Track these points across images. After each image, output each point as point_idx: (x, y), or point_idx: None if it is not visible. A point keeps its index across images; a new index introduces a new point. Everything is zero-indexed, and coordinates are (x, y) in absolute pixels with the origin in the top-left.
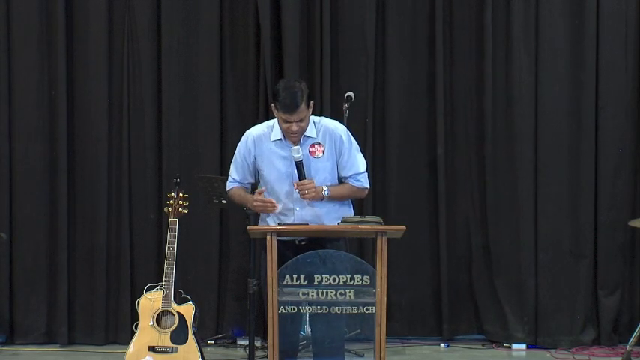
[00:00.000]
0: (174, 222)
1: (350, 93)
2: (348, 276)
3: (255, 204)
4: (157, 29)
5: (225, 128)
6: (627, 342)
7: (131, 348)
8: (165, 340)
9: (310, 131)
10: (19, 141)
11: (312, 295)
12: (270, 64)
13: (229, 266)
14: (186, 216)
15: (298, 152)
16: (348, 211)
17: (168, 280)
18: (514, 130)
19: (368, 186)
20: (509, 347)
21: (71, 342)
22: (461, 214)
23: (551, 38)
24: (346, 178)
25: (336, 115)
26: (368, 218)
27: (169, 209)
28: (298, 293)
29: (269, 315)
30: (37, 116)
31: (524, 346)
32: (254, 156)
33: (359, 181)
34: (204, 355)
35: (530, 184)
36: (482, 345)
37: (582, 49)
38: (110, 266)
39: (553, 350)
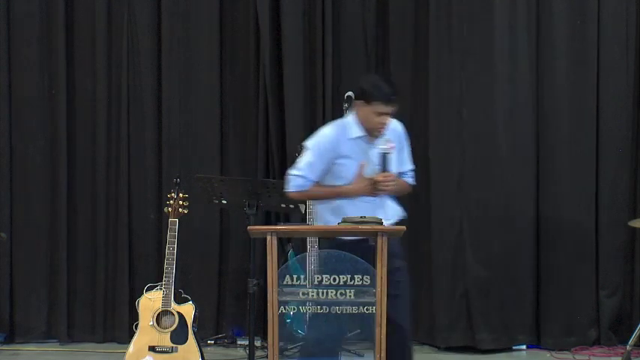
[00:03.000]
0: (174, 222)
1: (350, 93)
2: (348, 276)
3: (369, 186)
4: (157, 28)
5: (225, 128)
6: (627, 342)
7: (131, 348)
8: (165, 340)
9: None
10: (19, 140)
11: (313, 295)
12: (270, 63)
13: (229, 266)
14: (186, 216)
15: (386, 143)
16: (400, 209)
17: (168, 280)
18: (514, 129)
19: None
20: (510, 349)
21: (70, 340)
22: (457, 213)
23: (552, 38)
24: (402, 173)
25: (336, 115)
26: (368, 218)
27: (169, 209)
28: (298, 293)
29: (269, 315)
30: (37, 115)
31: (524, 346)
32: (333, 154)
33: (411, 177)
34: (204, 355)
35: (530, 185)
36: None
37: (583, 50)
38: (110, 266)
39: (554, 351)
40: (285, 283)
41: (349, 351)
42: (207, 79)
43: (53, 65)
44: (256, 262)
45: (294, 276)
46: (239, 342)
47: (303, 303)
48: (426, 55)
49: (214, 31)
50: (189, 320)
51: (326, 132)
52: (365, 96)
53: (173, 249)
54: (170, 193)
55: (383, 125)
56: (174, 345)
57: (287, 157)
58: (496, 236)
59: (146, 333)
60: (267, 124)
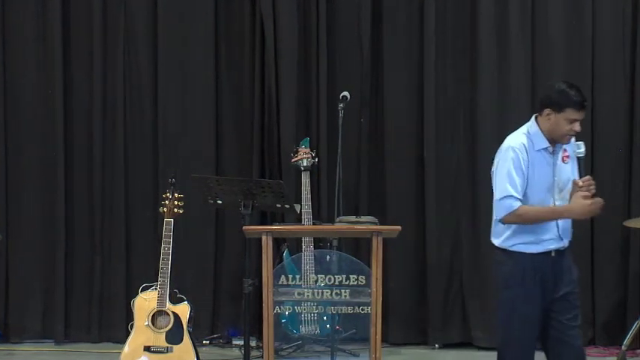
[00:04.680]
0: (169, 222)
1: (345, 93)
2: (344, 276)
3: (591, 207)
4: (154, 29)
5: (221, 128)
6: (622, 342)
7: (126, 348)
8: (161, 340)
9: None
10: (15, 141)
11: (308, 295)
12: (265, 64)
13: (224, 266)
14: (181, 216)
15: (581, 147)
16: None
17: (164, 280)
18: (508, 130)
19: None
20: None
21: (66, 340)
22: (452, 216)
23: (547, 38)
24: None
25: (331, 116)
26: (363, 218)
27: (165, 209)
28: (294, 293)
29: (264, 315)
30: (34, 116)
31: None
32: (527, 165)
33: None
34: (200, 355)
35: None
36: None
37: (579, 49)
38: (106, 265)
39: None
40: (280, 283)
41: (344, 351)
42: (203, 79)
43: (49, 65)
44: (251, 262)
45: (290, 276)
46: (234, 342)
47: (299, 303)
48: (421, 58)
49: (210, 31)
50: (185, 320)
51: (514, 144)
52: (555, 104)
53: (168, 249)
54: (165, 193)
55: (574, 132)
56: (169, 345)
57: (282, 158)
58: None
59: (141, 333)
60: (263, 124)
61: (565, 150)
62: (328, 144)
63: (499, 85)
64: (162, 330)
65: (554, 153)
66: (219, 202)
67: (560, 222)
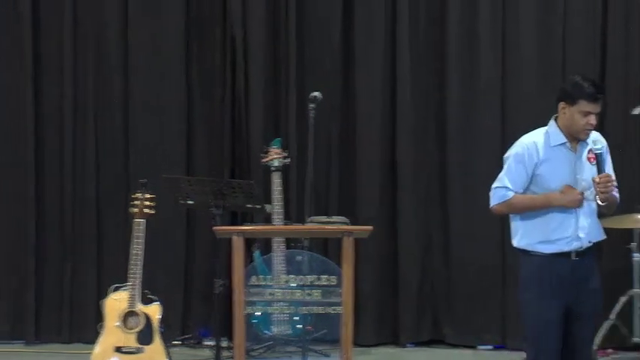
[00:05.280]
0: (140, 222)
1: (316, 93)
2: (315, 276)
3: (579, 197)
4: (124, 32)
5: (192, 129)
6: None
7: (97, 348)
8: (132, 341)
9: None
10: None
11: (279, 296)
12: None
13: (195, 267)
14: (152, 216)
15: (599, 144)
16: (602, 228)
17: (134, 281)
18: (478, 133)
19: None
20: (475, 348)
21: (37, 340)
22: (423, 216)
23: (517, 38)
24: None
25: (302, 116)
26: (334, 219)
27: (135, 209)
28: (265, 294)
29: (235, 315)
30: (4, 119)
31: (490, 346)
32: (536, 163)
33: (617, 192)
34: (171, 355)
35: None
36: (450, 346)
37: (549, 52)
38: (77, 266)
39: (519, 352)
40: (251, 283)
41: (315, 351)
42: (173, 80)
43: (19, 66)
44: (222, 262)
45: (261, 276)
46: (205, 342)
47: (270, 303)
48: (393, 60)
49: (180, 33)
50: (156, 321)
51: (525, 140)
52: (568, 96)
53: (139, 249)
54: (136, 194)
55: (590, 126)
56: (140, 345)
57: (252, 158)
58: (463, 236)
59: (112, 334)
60: (234, 125)
61: (590, 151)
62: (298, 144)
63: (470, 88)
64: (133, 330)
65: (576, 151)
66: (190, 202)
67: (581, 219)
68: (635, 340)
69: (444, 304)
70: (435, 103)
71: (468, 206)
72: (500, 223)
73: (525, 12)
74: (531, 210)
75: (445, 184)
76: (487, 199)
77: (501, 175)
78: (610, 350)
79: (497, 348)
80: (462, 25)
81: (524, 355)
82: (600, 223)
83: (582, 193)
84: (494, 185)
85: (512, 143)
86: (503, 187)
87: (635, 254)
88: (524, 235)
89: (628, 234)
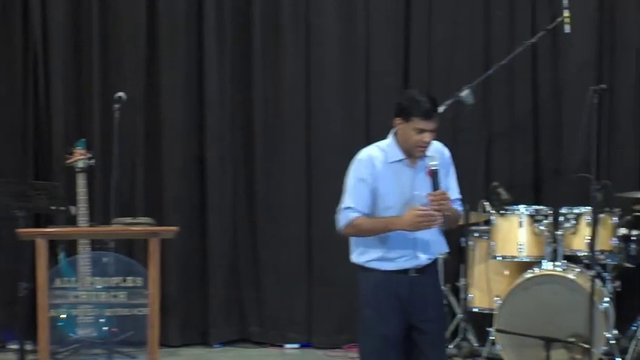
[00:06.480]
0: None
1: (120, 93)
2: (121, 278)
3: (418, 219)
4: None
5: None
6: None
7: None
8: None
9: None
10: None
11: (84, 298)
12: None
13: None
14: None
15: (434, 160)
16: (444, 241)
17: None
18: (282, 129)
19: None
20: (282, 347)
21: None
22: (230, 216)
23: (321, 40)
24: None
25: (106, 117)
26: (140, 219)
27: None
28: (70, 296)
29: (39, 318)
30: None
31: (297, 345)
32: (374, 178)
33: (460, 206)
34: None
35: (301, 185)
36: (257, 345)
37: (354, 48)
38: None
39: (326, 349)
40: (55, 286)
41: (122, 353)
42: None
43: None
44: (26, 265)
45: (65, 279)
46: (9, 346)
47: (75, 306)
48: (199, 56)
49: None
50: None
51: (361, 156)
52: (402, 112)
53: None
54: None
55: (424, 144)
56: None
57: (55, 159)
58: (271, 235)
59: None
60: (37, 126)
61: (435, 158)
62: (103, 145)
63: (273, 84)
64: None
65: (415, 166)
66: None
67: (420, 236)
68: None
69: (252, 303)
70: (242, 98)
71: (276, 204)
72: (307, 221)
73: (328, 8)
74: (375, 234)
75: (253, 182)
76: (297, 192)
77: (344, 195)
78: None
79: (303, 346)
80: (265, 20)
81: (330, 353)
82: (442, 235)
83: (422, 218)
84: (339, 207)
85: (316, 138)
86: (348, 208)
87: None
88: (362, 252)
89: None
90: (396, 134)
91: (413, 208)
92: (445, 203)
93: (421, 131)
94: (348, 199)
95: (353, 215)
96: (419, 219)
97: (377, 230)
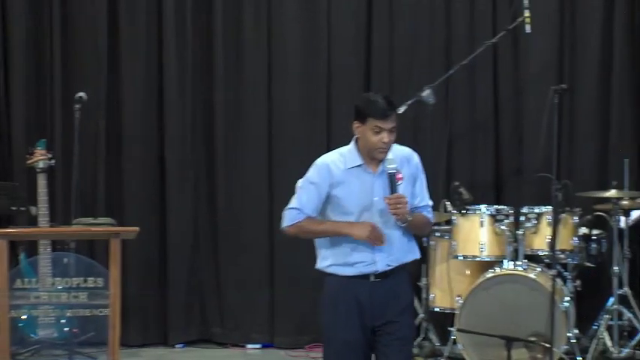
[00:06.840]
0: None
1: (81, 94)
2: (82, 279)
3: (369, 234)
4: None
5: None
6: None
7: None
8: None
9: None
10: None
11: (45, 298)
12: None
13: None
14: None
15: (393, 163)
16: (416, 248)
17: None
18: (244, 131)
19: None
20: (244, 347)
21: None
22: (191, 216)
23: (283, 40)
24: (417, 208)
25: (66, 117)
26: (100, 220)
27: None
28: (30, 297)
29: (0, 320)
30: None
31: (259, 345)
32: (330, 184)
33: (430, 212)
34: None
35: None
36: (219, 345)
37: (315, 53)
38: None
39: (288, 350)
40: (16, 286)
41: (83, 354)
42: None
43: None
44: None
45: (26, 279)
46: None
47: (35, 306)
48: (160, 58)
49: None
50: None
51: (319, 162)
52: (359, 114)
53: None
54: None
55: (383, 145)
56: None
57: (15, 160)
58: (232, 235)
59: None
60: None
61: (398, 171)
62: (64, 145)
63: (235, 85)
64: None
65: (376, 171)
66: None
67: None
68: None
69: (213, 303)
70: (203, 99)
71: (237, 205)
72: (269, 222)
73: (290, 10)
74: (322, 236)
75: (214, 182)
76: (258, 194)
77: (294, 196)
78: None
79: (265, 347)
80: (226, 22)
81: (292, 353)
82: (413, 242)
83: (372, 230)
84: (287, 206)
85: (278, 141)
86: (295, 209)
87: None
88: (325, 257)
89: None
90: (357, 140)
91: (369, 223)
92: (402, 207)
93: (379, 131)
94: (295, 200)
95: (299, 217)
96: (370, 235)
97: (327, 232)
